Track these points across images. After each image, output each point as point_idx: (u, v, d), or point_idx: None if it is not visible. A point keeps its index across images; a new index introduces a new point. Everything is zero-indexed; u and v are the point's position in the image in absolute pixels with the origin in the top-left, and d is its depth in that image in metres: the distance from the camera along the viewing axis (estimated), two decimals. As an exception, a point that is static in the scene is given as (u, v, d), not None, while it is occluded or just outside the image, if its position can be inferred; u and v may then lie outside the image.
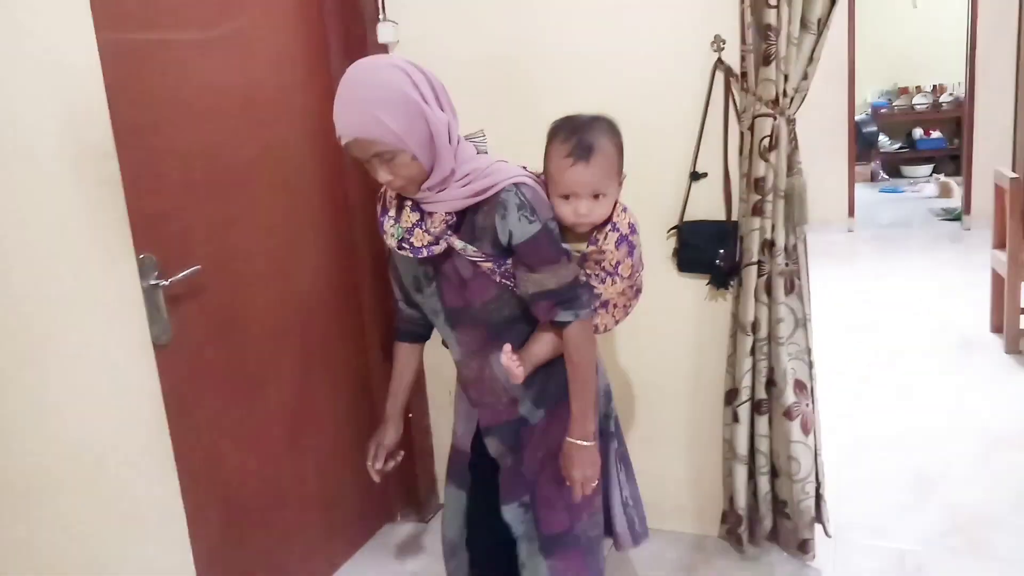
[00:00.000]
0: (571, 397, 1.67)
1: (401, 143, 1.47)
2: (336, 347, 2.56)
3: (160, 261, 1.85)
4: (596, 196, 1.62)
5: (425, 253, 1.59)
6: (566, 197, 1.63)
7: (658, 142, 2.37)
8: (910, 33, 8.50)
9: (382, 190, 1.69)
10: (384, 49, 2.55)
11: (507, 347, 1.62)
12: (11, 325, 1.47)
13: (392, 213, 1.63)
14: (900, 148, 8.95)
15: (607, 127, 1.66)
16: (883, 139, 8.93)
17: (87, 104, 1.61)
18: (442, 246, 1.59)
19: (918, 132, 8.84)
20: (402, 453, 1.92)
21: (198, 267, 1.97)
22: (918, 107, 8.77)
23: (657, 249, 2.43)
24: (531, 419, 1.73)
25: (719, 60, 2.25)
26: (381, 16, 2.52)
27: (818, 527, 2.41)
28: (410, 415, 2.59)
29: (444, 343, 1.78)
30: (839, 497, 2.75)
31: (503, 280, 1.62)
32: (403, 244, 1.61)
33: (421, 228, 1.58)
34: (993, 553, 2.41)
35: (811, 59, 2.12)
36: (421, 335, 1.88)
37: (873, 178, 8.94)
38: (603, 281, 1.70)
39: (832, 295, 5.16)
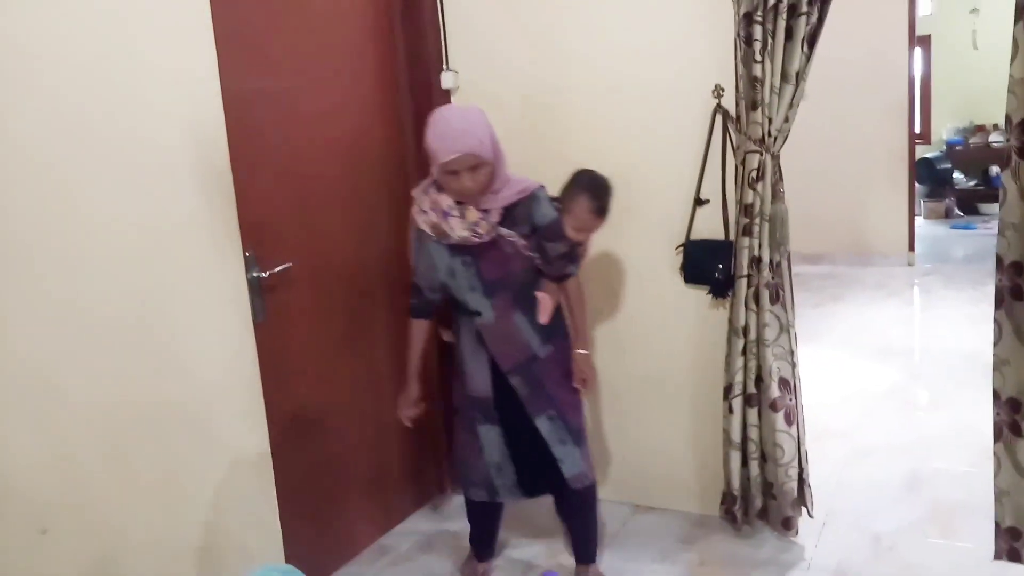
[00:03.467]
0: (575, 323, 2.51)
1: (491, 158, 2.24)
2: (398, 340, 3.04)
3: (260, 258, 2.40)
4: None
5: (486, 238, 2.32)
6: (578, 230, 2.51)
7: (669, 173, 2.81)
8: (982, 71, 8.60)
9: (412, 212, 2.41)
10: (447, 94, 3.08)
11: (540, 293, 2.44)
12: (150, 303, 2.03)
13: (456, 214, 2.31)
14: (976, 185, 9.00)
15: (612, 192, 2.55)
16: (958, 176, 9.00)
17: (212, 134, 2.18)
18: (493, 233, 2.31)
19: (995, 169, 8.86)
20: (423, 404, 2.60)
21: (290, 264, 2.52)
22: (995, 144, 8.82)
23: (667, 263, 2.86)
24: (540, 354, 2.45)
25: (718, 105, 2.69)
26: (444, 66, 3.05)
27: (803, 509, 2.77)
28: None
29: (473, 313, 2.42)
30: (838, 490, 3.11)
31: (528, 254, 2.38)
32: (473, 234, 2.30)
33: (485, 221, 2.29)
34: (962, 538, 2.71)
35: (791, 105, 2.53)
36: (432, 313, 2.56)
37: (947, 215, 9.01)
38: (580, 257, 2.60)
39: (875, 322, 5.42)
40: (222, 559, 2.26)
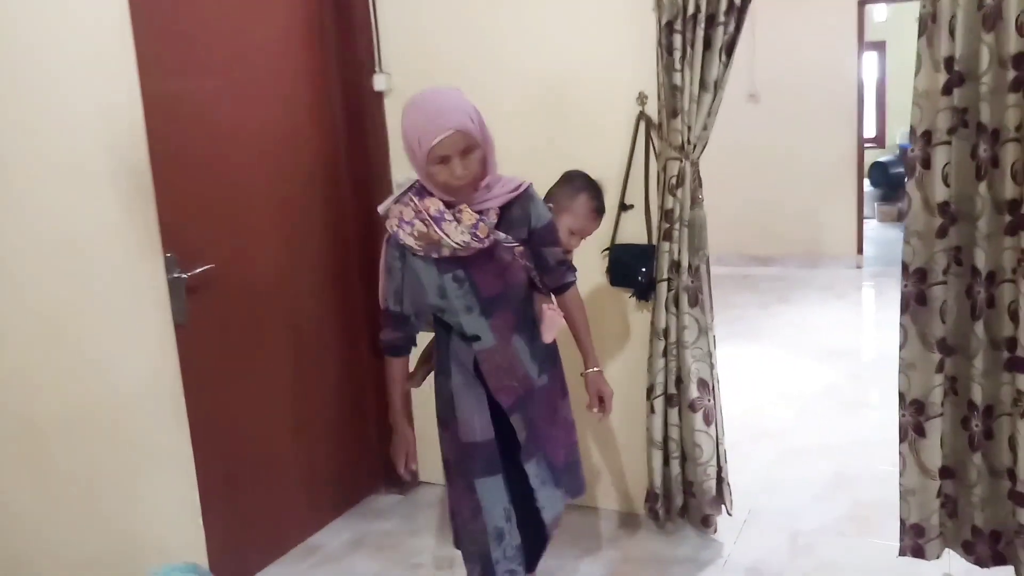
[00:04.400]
0: (583, 339, 2.25)
1: (483, 139, 1.94)
2: (329, 340, 3.09)
3: (181, 259, 2.41)
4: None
5: (486, 243, 1.98)
6: (573, 232, 2.37)
7: (596, 177, 2.84)
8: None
9: (393, 229, 2.01)
10: (380, 96, 3.10)
11: (548, 307, 2.15)
12: (67, 303, 2.03)
13: (449, 218, 1.95)
14: (928, 189, 9.16)
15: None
16: (911, 179, 9.15)
17: (130, 135, 2.17)
18: (492, 238, 1.99)
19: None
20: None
21: (211, 265, 2.53)
22: (946, 149, 8.97)
23: (594, 266, 2.91)
24: (538, 384, 2.16)
25: (642, 112, 2.74)
26: (377, 68, 3.08)
27: (723, 507, 2.83)
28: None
29: (469, 340, 2.08)
30: (764, 490, 3.17)
31: (525, 263, 2.10)
32: (474, 238, 1.96)
33: (483, 222, 1.96)
34: (877, 535, 2.77)
35: (709, 113, 2.58)
36: (410, 348, 2.23)
37: (900, 217, 9.17)
38: None
39: (820, 324, 5.52)
40: (143, 560, 2.26)
